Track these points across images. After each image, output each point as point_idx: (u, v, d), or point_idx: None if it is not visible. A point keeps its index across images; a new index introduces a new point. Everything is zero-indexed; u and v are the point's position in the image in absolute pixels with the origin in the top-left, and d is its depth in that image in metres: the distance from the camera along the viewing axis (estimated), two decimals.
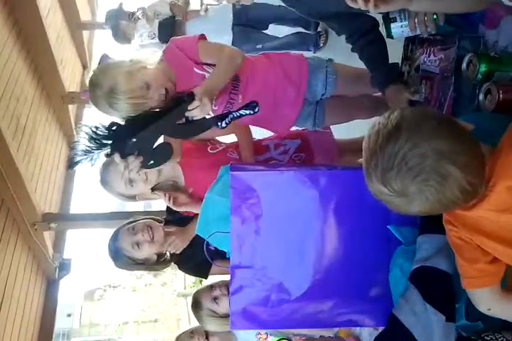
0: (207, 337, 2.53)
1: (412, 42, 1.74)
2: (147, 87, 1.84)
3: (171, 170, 2.23)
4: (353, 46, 1.88)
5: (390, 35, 1.67)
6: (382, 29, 1.74)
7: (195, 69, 1.98)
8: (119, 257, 2.26)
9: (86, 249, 21.26)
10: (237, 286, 1.73)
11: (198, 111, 1.80)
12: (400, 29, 1.63)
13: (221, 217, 1.75)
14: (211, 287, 2.42)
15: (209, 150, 2.28)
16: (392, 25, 1.63)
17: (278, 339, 2.57)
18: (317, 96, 2.19)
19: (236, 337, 2.56)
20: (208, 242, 2.10)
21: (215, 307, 2.40)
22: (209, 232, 1.80)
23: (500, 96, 1.32)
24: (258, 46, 4.32)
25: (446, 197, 1.08)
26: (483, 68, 1.40)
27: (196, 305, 2.45)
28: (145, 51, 2.00)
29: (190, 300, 2.62)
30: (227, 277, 2.28)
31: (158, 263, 2.37)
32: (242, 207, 1.68)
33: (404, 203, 1.11)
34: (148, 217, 2.37)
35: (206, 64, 1.98)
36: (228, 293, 1.93)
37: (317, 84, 2.15)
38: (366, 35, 1.80)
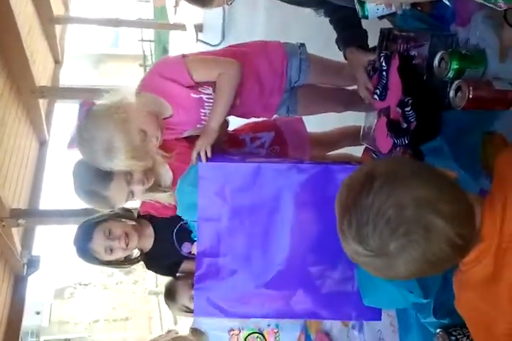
0: None
1: (386, 39, 1.75)
2: (144, 134, 1.78)
3: (159, 168, 2.17)
4: (326, 14, 1.91)
5: (364, 15, 1.65)
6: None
7: (192, 95, 1.92)
8: (87, 255, 2.18)
9: (56, 246, 20.99)
10: (202, 273, 1.77)
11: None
12: (374, 7, 1.62)
13: (193, 206, 1.77)
14: (191, 285, 2.38)
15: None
16: (367, 4, 1.61)
17: (250, 332, 2.58)
18: (291, 83, 2.19)
19: (208, 337, 2.56)
20: (181, 244, 2.24)
21: (191, 305, 2.38)
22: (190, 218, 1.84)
23: (471, 93, 1.32)
24: None
25: (433, 253, 0.93)
26: (454, 65, 1.40)
27: (170, 298, 2.44)
28: (120, 89, 1.85)
29: (162, 298, 2.61)
30: None
31: (124, 263, 2.31)
32: (209, 197, 1.73)
33: (386, 264, 0.96)
34: (120, 212, 2.29)
35: (200, 85, 1.93)
36: None
37: (291, 70, 2.15)
38: (337, 4, 1.82)
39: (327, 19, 1.97)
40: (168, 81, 1.87)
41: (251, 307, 1.79)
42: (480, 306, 1.06)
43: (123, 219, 2.23)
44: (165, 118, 1.94)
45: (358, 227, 0.95)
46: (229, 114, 2.04)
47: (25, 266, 5.92)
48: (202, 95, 1.93)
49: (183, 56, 1.95)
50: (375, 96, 1.77)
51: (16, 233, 5.70)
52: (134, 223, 2.25)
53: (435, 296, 1.49)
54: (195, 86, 1.92)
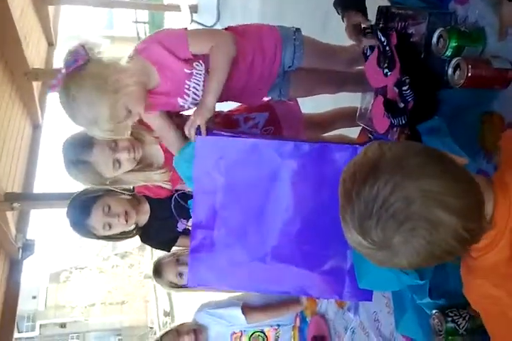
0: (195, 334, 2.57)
1: (384, 17, 1.72)
2: (129, 111, 1.77)
3: (150, 147, 2.18)
4: None
5: None
6: None
7: (185, 70, 1.89)
8: (83, 231, 2.19)
9: (50, 230, 20.99)
10: (197, 245, 1.78)
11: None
12: None
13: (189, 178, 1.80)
14: (177, 261, 2.47)
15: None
16: None
17: (252, 332, 2.63)
18: (284, 68, 2.14)
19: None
20: (177, 224, 2.29)
21: (178, 281, 2.49)
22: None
23: (470, 71, 1.30)
24: None
25: (438, 247, 0.91)
26: (453, 43, 1.38)
27: (158, 275, 2.54)
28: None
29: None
30: None
31: (120, 236, 2.33)
32: (205, 170, 1.73)
33: (388, 257, 0.93)
34: (116, 190, 2.25)
35: (195, 59, 1.89)
36: None
37: (285, 56, 2.10)
38: None
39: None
40: (166, 51, 1.83)
41: (243, 281, 1.82)
42: (493, 293, 1.04)
43: (119, 195, 2.23)
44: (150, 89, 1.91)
45: (360, 219, 0.92)
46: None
47: (20, 250, 5.90)
48: (194, 70, 1.90)
49: (185, 29, 1.91)
50: (386, 71, 1.72)
51: (11, 217, 5.67)
52: (129, 197, 2.24)
53: (431, 277, 1.48)
54: (191, 60, 1.89)
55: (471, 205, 0.92)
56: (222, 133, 1.82)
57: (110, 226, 2.17)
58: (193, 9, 9.58)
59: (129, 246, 23.16)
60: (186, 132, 1.83)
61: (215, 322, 2.59)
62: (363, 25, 1.83)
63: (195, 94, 1.94)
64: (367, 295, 1.79)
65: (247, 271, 1.78)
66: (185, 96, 1.95)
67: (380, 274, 1.55)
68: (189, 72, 1.89)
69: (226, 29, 2.11)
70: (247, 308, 2.59)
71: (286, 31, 2.11)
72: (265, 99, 2.32)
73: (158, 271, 2.53)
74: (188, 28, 1.94)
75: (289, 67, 2.13)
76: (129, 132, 1.88)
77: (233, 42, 1.89)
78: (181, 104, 1.97)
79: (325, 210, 1.70)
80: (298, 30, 2.12)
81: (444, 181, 0.91)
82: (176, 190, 2.23)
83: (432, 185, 0.90)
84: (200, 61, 1.90)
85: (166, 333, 2.59)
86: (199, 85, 1.93)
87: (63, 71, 1.74)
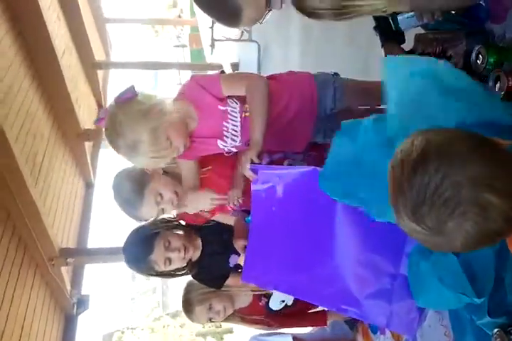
0: None
1: (422, 43, 1.76)
2: (170, 143, 1.86)
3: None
4: None
5: (397, 27, 1.69)
6: None
7: (219, 107, 1.97)
8: (145, 267, 2.23)
9: (104, 285, 21.08)
10: (254, 246, 1.89)
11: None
12: (406, 20, 1.65)
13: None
14: (210, 309, 2.51)
15: (225, 154, 2.24)
16: (399, 16, 1.65)
17: None
18: (327, 112, 2.18)
19: None
20: (228, 259, 2.34)
21: (208, 323, 2.64)
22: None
23: (510, 83, 1.32)
24: None
25: (489, 228, 0.94)
26: (491, 59, 1.40)
27: (188, 316, 2.60)
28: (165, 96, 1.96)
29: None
30: None
31: (175, 273, 2.37)
32: (263, 191, 1.81)
33: (444, 241, 0.98)
34: (169, 223, 2.34)
35: (229, 97, 1.99)
36: None
37: (325, 101, 2.15)
38: None
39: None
40: (201, 88, 1.94)
41: (293, 287, 1.89)
42: None
43: (174, 230, 2.29)
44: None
45: (413, 207, 0.96)
46: None
47: (75, 306, 5.97)
48: (228, 107, 1.98)
49: (221, 72, 2.02)
50: None
51: (66, 272, 5.78)
52: (182, 232, 2.30)
53: (489, 296, 1.45)
54: (224, 98, 1.97)
55: None
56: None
57: (170, 261, 2.21)
58: (235, 67, 9.90)
59: (179, 306, 22.98)
60: (246, 173, 1.86)
61: None
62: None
63: (234, 135, 2.02)
64: (409, 330, 1.84)
65: (294, 279, 1.84)
66: (224, 138, 2.03)
67: (438, 293, 1.53)
68: (223, 108, 1.97)
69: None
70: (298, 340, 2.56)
71: (323, 76, 2.18)
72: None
73: (188, 312, 2.57)
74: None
75: (332, 109, 2.17)
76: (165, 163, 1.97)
77: (265, 82, 1.98)
78: (221, 146, 2.05)
79: (379, 246, 1.73)
80: (336, 74, 2.19)
81: (489, 166, 0.94)
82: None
83: (479, 171, 0.93)
84: (234, 99, 1.99)
85: None
86: (236, 127, 2.01)
87: (112, 103, 1.86)
